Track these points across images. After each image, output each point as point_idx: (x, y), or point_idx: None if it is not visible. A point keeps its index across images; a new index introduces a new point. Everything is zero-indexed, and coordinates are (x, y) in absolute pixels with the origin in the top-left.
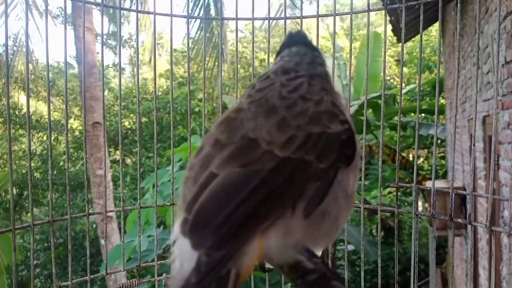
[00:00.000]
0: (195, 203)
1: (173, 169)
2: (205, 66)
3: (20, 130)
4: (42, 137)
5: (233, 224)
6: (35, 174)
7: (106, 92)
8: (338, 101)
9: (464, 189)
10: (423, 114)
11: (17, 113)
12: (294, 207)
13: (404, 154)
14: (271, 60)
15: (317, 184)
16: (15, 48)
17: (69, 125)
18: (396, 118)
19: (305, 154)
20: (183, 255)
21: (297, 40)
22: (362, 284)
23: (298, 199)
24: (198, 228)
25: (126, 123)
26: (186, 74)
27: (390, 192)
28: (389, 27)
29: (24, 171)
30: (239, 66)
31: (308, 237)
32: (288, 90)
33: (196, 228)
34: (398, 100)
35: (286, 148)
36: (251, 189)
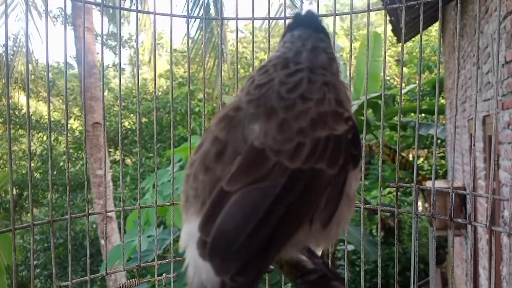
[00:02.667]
0: (211, 223)
1: (173, 169)
2: (205, 66)
3: (20, 130)
4: (42, 137)
5: (254, 248)
6: (35, 175)
7: (106, 92)
8: (341, 95)
9: (464, 189)
10: (423, 114)
11: (17, 113)
12: (312, 218)
13: (404, 154)
14: None
15: (330, 191)
16: (15, 48)
17: (69, 125)
18: (396, 118)
19: (315, 163)
20: (204, 278)
21: (302, 21)
22: (362, 284)
23: (316, 210)
24: (219, 253)
25: (126, 123)
26: (186, 74)
27: (390, 192)
28: (389, 27)
29: (24, 171)
30: (239, 66)
31: (311, 239)
32: (287, 89)
33: (216, 253)
34: (398, 100)
35: (295, 158)
36: (267, 208)
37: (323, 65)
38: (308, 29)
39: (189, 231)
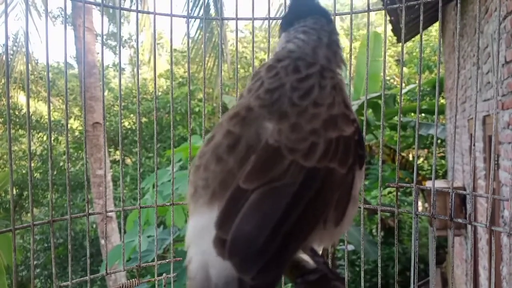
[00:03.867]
0: (229, 221)
1: (173, 169)
2: (205, 66)
3: (20, 130)
4: (42, 137)
5: (275, 247)
6: (35, 174)
7: (106, 92)
8: (345, 96)
9: (464, 189)
10: (423, 114)
11: (17, 113)
12: (326, 217)
13: (404, 154)
14: None
15: (341, 190)
16: (14, 48)
17: (69, 125)
18: (396, 118)
19: (329, 162)
20: (215, 274)
21: (313, 8)
22: (362, 283)
23: (330, 209)
24: (240, 253)
25: (126, 123)
26: (186, 74)
27: (390, 192)
28: (389, 27)
29: (24, 171)
30: (239, 66)
31: (324, 238)
32: (298, 95)
33: (237, 252)
34: (398, 100)
35: (310, 157)
36: (286, 208)
37: (334, 66)
38: (320, 17)
39: (198, 225)
